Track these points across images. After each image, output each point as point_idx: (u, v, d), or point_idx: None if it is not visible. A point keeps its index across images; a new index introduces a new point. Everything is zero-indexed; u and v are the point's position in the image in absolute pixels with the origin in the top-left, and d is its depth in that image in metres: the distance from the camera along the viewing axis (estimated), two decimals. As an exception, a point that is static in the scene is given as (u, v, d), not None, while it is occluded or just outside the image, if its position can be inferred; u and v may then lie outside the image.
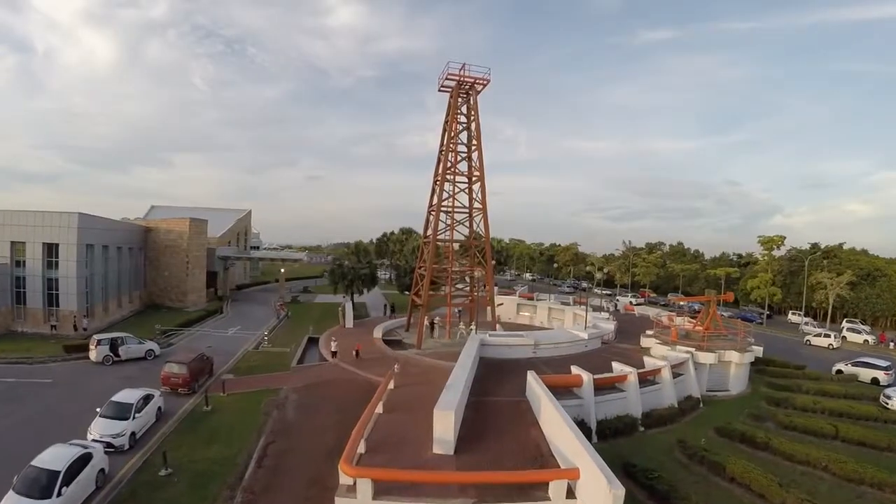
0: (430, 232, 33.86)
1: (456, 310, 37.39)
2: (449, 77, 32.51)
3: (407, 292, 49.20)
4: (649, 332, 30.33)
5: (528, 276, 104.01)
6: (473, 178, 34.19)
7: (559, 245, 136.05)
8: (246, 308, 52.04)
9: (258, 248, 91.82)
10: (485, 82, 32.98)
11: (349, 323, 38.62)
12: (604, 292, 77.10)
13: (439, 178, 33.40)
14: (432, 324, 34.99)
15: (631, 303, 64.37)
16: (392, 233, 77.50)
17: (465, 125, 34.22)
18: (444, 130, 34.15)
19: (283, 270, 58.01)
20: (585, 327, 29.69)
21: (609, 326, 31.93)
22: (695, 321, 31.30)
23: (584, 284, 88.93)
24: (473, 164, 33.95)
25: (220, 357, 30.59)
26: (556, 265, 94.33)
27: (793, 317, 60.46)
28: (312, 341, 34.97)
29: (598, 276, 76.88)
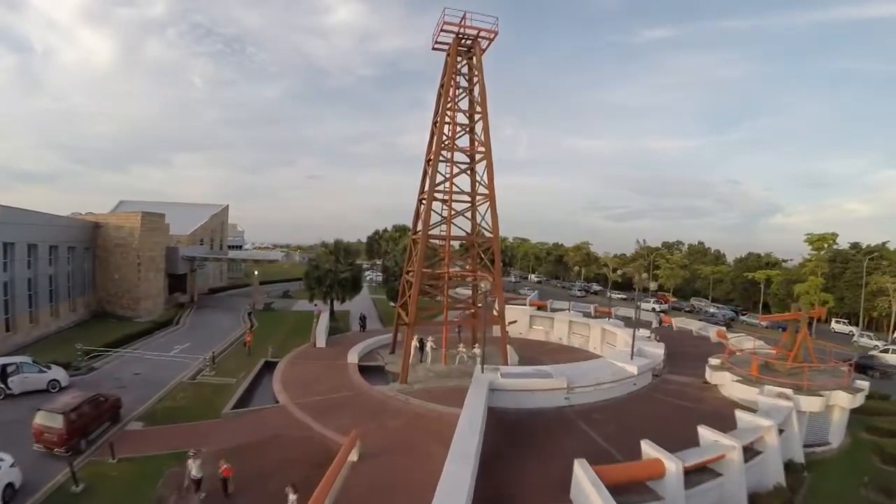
0: (420, 227, 26.17)
1: (456, 326, 29.69)
2: (445, 29, 24.80)
3: (393, 303, 41.69)
4: (714, 361, 22.63)
5: (533, 277, 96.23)
6: (477, 156, 26.52)
7: (563, 245, 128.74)
8: (209, 317, 44.39)
9: (240, 247, 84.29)
10: (491, 35, 25.24)
11: (320, 341, 30.96)
12: (619, 296, 69.33)
13: (432, 157, 25.74)
14: (422, 344, 27.33)
15: (654, 309, 56.69)
16: (385, 230, 69.80)
17: (465, 90, 26.57)
18: (439, 97, 26.50)
19: (256, 273, 50.37)
20: (632, 355, 21.97)
21: (658, 351, 24.25)
22: (777, 348, 23.38)
23: (596, 287, 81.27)
24: (477, 138, 26.27)
25: (142, 391, 23.12)
26: (565, 266, 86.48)
27: (836, 325, 52.77)
28: (269, 367, 27.27)
29: (613, 277, 69.30)
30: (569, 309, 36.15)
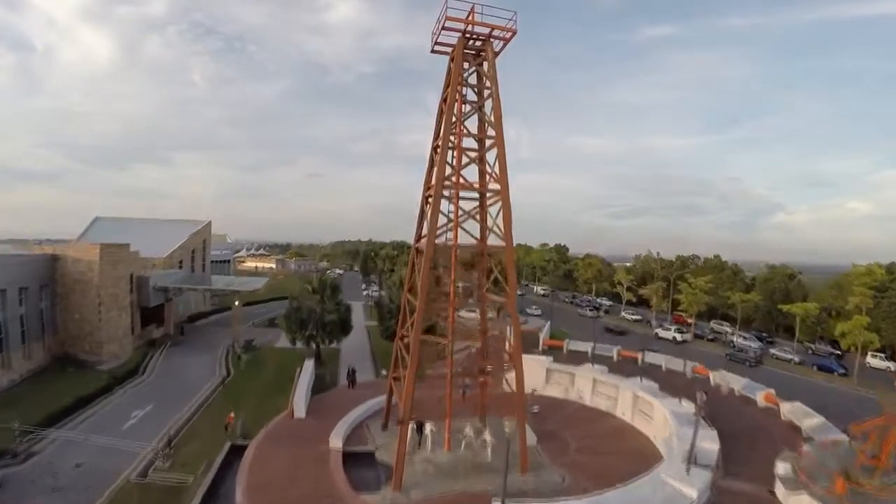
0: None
1: (461, 387, 24.73)
2: (448, 27, 19.34)
3: (389, 339, 36.85)
4: (783, 469, 17.91)
5: (538, 289, 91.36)
6: (488, 195, 21.47)
7: (566, 247, 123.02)
8: (181, 360, 39.61)
9: (228, 261, 79.38)
10: (507, 34, 19.72)
11: (299, 409, 26.17)
12: (633, 317, 64.54)
13: (431, 192, 20.69)
14: (420, 427, 22.60)
15: (676, 339, 51.95)
16: (381, 247, 64.88)
17: (474, 106, 21.48)
18: (440, 115, 21.43)
19: (237, 303, 45.57)
20: (688, 466, 17.16)
21: (713, 447, 19.46)
22: (866, 450, 18.59)
23: (607, 303, 76.53)
24: (489, 170, 21.14)
25: (78, 496, 18.77)
26: (574, 280, 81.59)
27: (873, 360, 47.77)
28: (237, 452, 22.51)
29: (627, 296, 64.55)
30: (591, 358, 31.28)
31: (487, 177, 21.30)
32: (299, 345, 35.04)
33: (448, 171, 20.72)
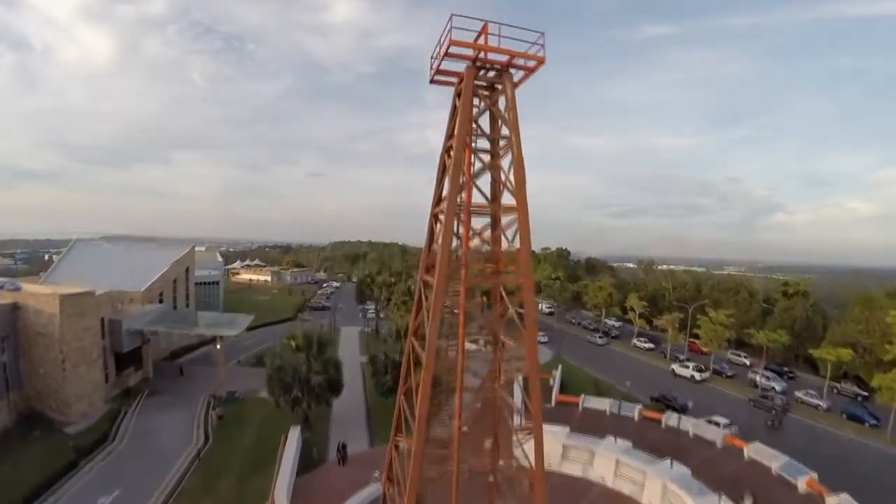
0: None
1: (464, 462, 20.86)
2: (452, 53, 14.06)
3: (385, 396, 33.33)
4: None
5: (543, 306, 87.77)
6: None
7: (568, 250, 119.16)
8: (158, 418, 35.93)
9: (217, 282, 75.75)
10: (532, 63, 14.44)
11: (281, 501, 22.62)
12: (646, 345, 60.94)
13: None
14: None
15: (695, 378, 48.35)
16: (377, 272, 61.14)
17: (488, 156, 16.16)
18: (442, 168, 16.66)
19: (218, 346, 41.92)
20: None
21: None
22: None
23: (616, 324, 73.03)
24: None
25: None
26: (584, 304, 77.95)
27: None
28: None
29: (640, 323, 61.01)
30: (615, 441, 27.45)
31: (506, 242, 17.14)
32: (284, 405, 31.39)
33: (454, 243, 16.81)
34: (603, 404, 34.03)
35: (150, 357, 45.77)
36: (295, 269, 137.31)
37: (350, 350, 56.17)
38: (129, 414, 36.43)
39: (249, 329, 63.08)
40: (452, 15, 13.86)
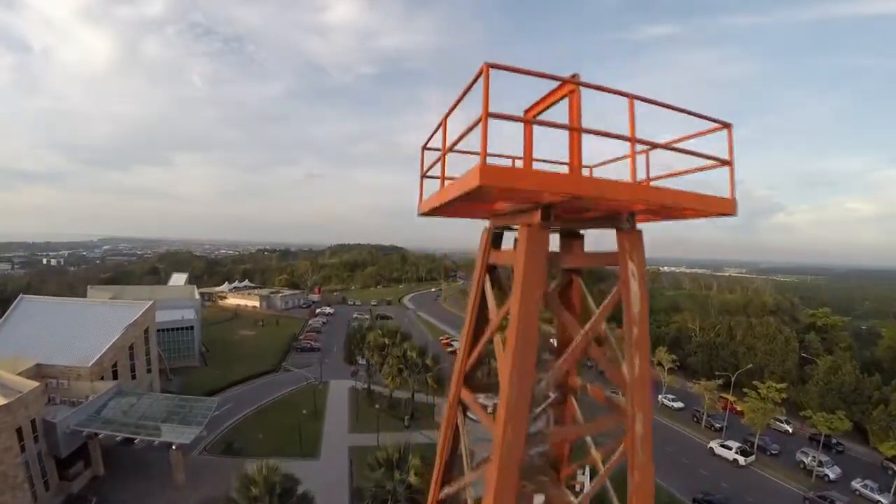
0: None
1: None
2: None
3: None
4: None
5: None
6: None
7: None
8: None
9: (191, 327, 68.59)
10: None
11: None
12: (675, 404, 53.95)
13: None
14: None
15: (738, 461, 41.39)
16: (367, 325, 54.15)
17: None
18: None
19: (175, 449, 34.95)
20: None
21: None
22: None
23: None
24: None
25: None
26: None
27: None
28: None
29: (668, 380, 54.07)
30: None
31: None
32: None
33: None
34: None
35: (100, 450, 38.76)
36: (286, 293, 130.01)
37: (336, 418, 48.99)
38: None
39: (225, 388, 56.49)
40: (485, 67, 6.29)
